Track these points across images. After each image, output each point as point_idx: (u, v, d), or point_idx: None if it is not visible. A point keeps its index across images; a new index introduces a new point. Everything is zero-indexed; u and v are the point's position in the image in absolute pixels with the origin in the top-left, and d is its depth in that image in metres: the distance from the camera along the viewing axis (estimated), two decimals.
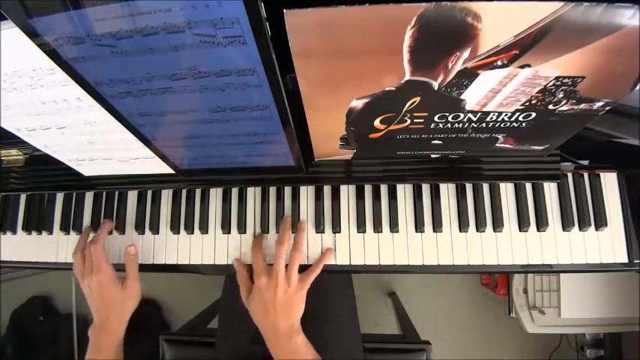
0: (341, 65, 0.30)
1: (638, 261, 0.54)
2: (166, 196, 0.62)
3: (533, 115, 0.37)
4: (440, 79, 0.31)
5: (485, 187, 0.57)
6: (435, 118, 0.38)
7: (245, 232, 0.59)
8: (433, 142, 0.44)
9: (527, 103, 0.35)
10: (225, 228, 0.59)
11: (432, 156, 0.50)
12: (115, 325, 0.54)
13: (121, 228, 0.62)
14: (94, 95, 0.35)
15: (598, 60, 0.29)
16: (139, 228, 0.62)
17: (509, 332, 1.30)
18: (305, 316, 0.73)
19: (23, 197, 0.67)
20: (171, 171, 0.52)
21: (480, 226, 0.56)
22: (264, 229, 0.59)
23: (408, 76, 0.31)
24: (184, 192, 0.62)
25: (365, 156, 0.50)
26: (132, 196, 0.63)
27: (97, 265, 0.54)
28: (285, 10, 0.24)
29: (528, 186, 0.56)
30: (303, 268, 0.55)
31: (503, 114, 0.37)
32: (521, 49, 0.28)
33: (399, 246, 0.56)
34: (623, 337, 1.13)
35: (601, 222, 0.54)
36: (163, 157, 0.48)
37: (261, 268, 0.53)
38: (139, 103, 0.36)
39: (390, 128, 0.40)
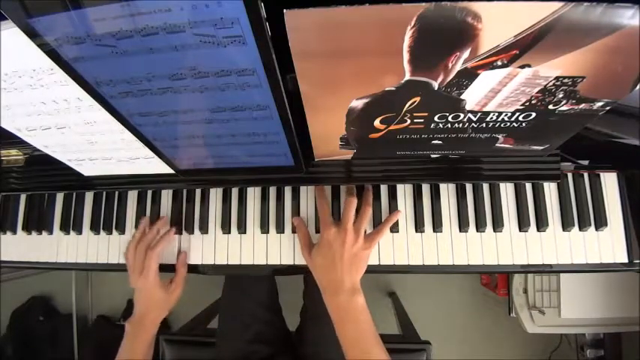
0: (341, 65, 0.30)
1: (638, 261, 0.54)
2: (166, 196, 0.62)
3: (533, 115, 0.37)
4: (440, 79, 0.31)
5: (485, 187, 0.57)
6: (435, 118, 0.38)
7: (245, 232, 0.59)
8: (433, 142, 0.44)
9: (527, 103, 0.35)
10: (226, 228, 0.59)
11: (432, 156, 0.50)
12: (149, 324, 0.58)
13: (120, 228, 0.62)
14: (94, 95, 0.35)
15: (598, 60, 0.29)
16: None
17: (509, 332, 1.30)
18: (305, 316, 0.73)
19: (23, 197, 0.67)
20: (171, 171, 0.52)
21: (479, 226, 0.56)
22: (265, 229, 0.59)
23: (408, 76, 0.31)
24: (184, 192, 0.62)
25: (365, 156, 0.50)
26: (132, 196, 0.63)
27: (147, 270, 0.57)
28: (285, 10, 0.24)
29: (528, 186, 0.56)
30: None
31: (503, 114, 0.37)
32: (522, 49, 0.28)
33: (399, 246, 0.56)
34: (623, 337, 1.13)
35: (601, 222, 0.54)
36: (163, 157, 0.48)
37: (329, 219, 0.53)
38: (139, 103, 0.36)
39: (390, 128, 0.40)
